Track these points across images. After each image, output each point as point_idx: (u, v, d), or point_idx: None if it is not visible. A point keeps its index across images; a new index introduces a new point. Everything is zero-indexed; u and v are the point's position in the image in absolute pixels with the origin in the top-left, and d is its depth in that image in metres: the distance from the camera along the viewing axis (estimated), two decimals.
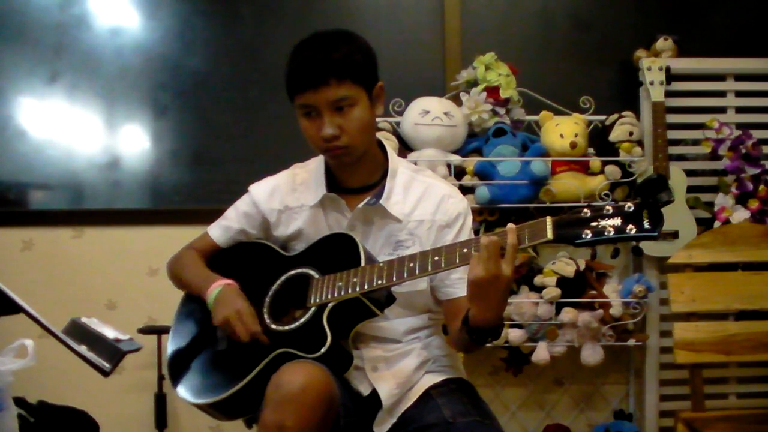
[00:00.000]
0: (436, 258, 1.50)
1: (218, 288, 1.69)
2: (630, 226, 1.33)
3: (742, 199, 2.64)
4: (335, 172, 1.73)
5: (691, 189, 2.73)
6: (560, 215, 1.40)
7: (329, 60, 1.57)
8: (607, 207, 1.35)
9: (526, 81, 2.75)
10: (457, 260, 1.47)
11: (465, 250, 1.47)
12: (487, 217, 2.66)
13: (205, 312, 1.74)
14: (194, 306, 1.79)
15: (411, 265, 1.52)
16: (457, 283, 1.67)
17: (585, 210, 1.37)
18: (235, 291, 1.69)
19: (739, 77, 2.80)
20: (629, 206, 1.34)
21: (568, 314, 2.57)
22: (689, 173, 2.74)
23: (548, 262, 2.65)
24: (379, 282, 1.53)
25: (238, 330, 1.61)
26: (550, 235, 1.38)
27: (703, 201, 2.74)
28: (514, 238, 1.40)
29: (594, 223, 1.35)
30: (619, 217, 1.34)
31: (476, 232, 1.89)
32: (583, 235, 1.35)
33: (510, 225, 1.42)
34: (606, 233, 1.34)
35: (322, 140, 1.61)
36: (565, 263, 2.60)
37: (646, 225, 1.32)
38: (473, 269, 1.41)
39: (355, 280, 1.55)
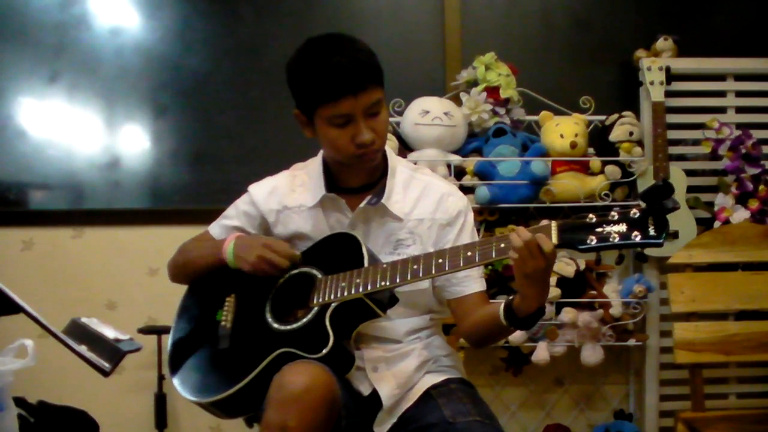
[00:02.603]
0: (440, 261, 1.50)
1: (232, 241, 1.70)
2: (635, 233, 1.33)
3: (742, 199, 2.65)
4: (335, 173, 1.73)
5: (691, 189, 2.73)
6: (565, 220, 1.40)
7: (363, 65, 1.57)
8: (613, 213, 1.36)
9: (526, 81, 2.75)
10: (461, 263, 1.48)
11: (469, 254, 1.47)
12: (488, 217, 2.66)
13: (206, 310, 1.74)
14: (195, 304, 1.80)
15: (415, 267, 1.52)
16: (464, 282, 1.68)
17: (590, 215, 1.37)
18: (249, 235, 1.73)
19: (739, 77, 2.81)
20: (634, 212, 1.34)
21: (568, 314, 2.58)
22: (689, 173, 2.75)
23: None
24: (383, 283, 1.53)
25: (276, 260, 1.63)
26: (555, 240, 1.39)
27: (703, 201, 2.74)
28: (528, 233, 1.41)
29: (599, 229, 1.35)
30: (625, 224, 1.34)
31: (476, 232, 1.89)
32: (588, 241, 1.36)
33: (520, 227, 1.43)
34: (611, 239, 1.34)
35: (357, 147, 1.60)
36: (565, 263, 2.60)
37: (652, 232, 1.32)
38: (522, 269, 1.41)
39: (358, 280, 1.55)
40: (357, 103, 1.56)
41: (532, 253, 1.39)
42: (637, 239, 1.32)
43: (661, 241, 1.31)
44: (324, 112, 1.58)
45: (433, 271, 1.50)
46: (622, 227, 1.34)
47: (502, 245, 1.43)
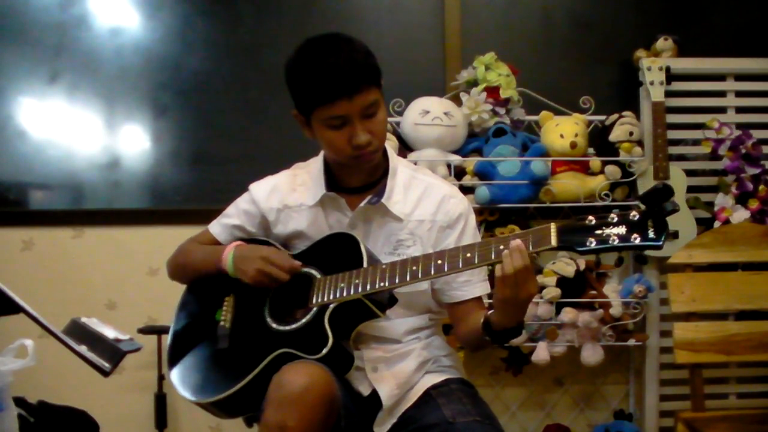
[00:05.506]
0: (439, 262, 1.50)
1: (231, 251, 1.69)
2: (634, 235, 1.33)
3: (742, 199, 2.64)
4: (335, 172, 1.73)
5: (691, 189, 2.73)
6: (565, 222, 1.40)
7: (358, 66, 1.55)
8: (612, 215, 1.36)
9: (526, 81, 2.75)
10: (461, 265, 1.48)
11: (468, 255, 1.47)
12: (488, 217, 2.67)
13: (205, 310, 1.74)
14: (195, 303, 1.80)
15: (414, 268, 1.52)
16: (463, 287, 1.68)
17: (590, 217, 1.38)
18: (249, 245, 1.70)
19: (739, 77, 2.80)
20: (634, 215, 1.35)
21: (568, 314, 2.57)
22: (689, 173, 2.74)
23: (548, 262, 2.65)
24: (382, 284, 1.53)
25: (276, 274, 1.61)
26: (554, 242, 1.39)
27: (703, 201, 2.74)
28: (524, 259, 1.39)
29: (598, 231, 1.36)
30: (624, 226, 1.35)
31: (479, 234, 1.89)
32: (588, 243, 1.36)
33: (517, 242, 1.41)
34: (610, 242, 1.35)
35: (354, 148, 1.59)
36: (565, 263, 2.60)
37: (651, 234, 1.32)
38: (502, 290, 1.42)
39: (357, 281, 1.55)
40: (352, 105, 1.55)
41: (518, 279, 1.39)
42: (637, 242, 1.33)
43: (660, 243, 1.32)
44: (320, 113, 1.58)
45: (432, 273, 1.50)
46: (622, 229, 1.34)
47: (501, 247, 1.43)
